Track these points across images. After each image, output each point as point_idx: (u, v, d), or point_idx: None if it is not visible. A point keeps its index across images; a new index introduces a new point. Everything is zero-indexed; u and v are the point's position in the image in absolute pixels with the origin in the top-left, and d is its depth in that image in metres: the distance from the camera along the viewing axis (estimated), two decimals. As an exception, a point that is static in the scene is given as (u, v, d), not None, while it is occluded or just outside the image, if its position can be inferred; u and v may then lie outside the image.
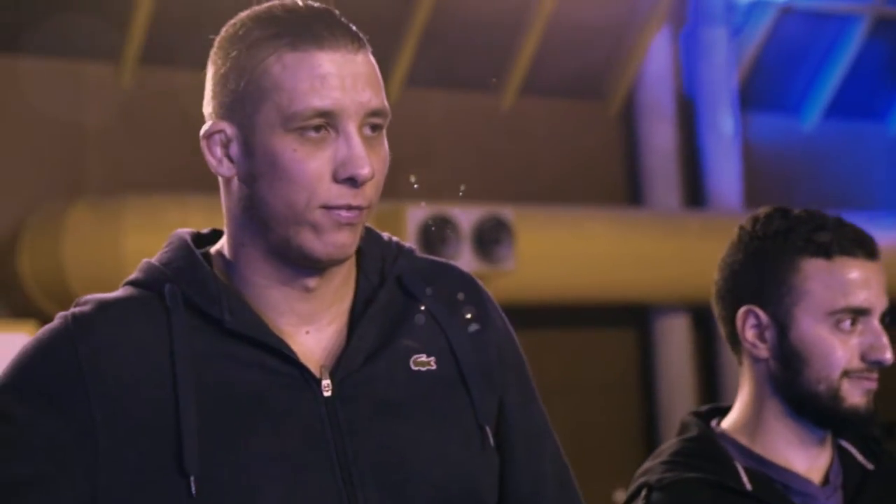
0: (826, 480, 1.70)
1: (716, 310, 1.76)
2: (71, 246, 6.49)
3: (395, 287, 1.48)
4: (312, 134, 1.38)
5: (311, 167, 1.37)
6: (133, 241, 6.20)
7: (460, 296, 1.51)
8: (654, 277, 8.14)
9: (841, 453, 1.74)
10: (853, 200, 9.58)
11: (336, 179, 1.38)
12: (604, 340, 8.93)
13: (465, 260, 7.08)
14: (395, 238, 1.53)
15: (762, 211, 1.76)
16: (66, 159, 6.98)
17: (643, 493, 1.67)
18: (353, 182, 1.39)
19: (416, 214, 6.96)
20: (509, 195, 8.14)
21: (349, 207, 1.39)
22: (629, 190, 8.92)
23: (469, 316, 1.50)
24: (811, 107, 9.53)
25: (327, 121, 1.38)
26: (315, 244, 1.38)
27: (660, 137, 8.60)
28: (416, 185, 7.36)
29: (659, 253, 8.01)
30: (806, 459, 1.70)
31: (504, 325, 1.55)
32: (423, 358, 1.45)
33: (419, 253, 1.54)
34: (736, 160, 8.76)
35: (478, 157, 8.30)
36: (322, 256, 1.39)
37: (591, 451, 8.39)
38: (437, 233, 7.06)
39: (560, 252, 7.88)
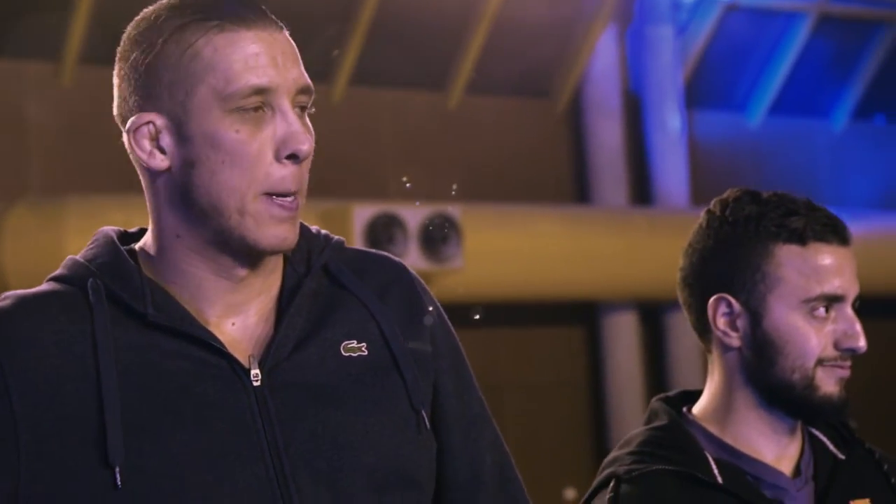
0: (797, 471, 1.66)
1: (681, 296, 1.70)
2: (11, 248, 6.39)
3: (323, 276, 1.46)
4: (252, 113, 1.37)
5: (254, 147, 1.36)
6: (75, 243, 6.09)
7: (391, 284, 1.49)
8: (602, 274, 8.15)
9: (812, 443, 1.70)
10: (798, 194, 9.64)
11: (278, 159, 1.37)
12: (553, 338, 8.93)
13: (413, 258, 7.05)
14: (323, 231, 1.51)
15: (730, 194, 1.70)
16: (7, 160, 6.87)
17: (611, 484, 1.63)
18: (294, 159, 1.38)
19: (363, 213, 6.93)
20: (457, 194, 8.11)
21: (289, 195, 1.38)
22: (577, 187, 8.92)
23: (401, 304, 1.48)
24: (756, 104, 9.59)
25: (264, 99, 1.37)
26: (258, 235, 1.37)
27: (606, 135, 8.61)
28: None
29: (607, 250, 8.02)
30: (777, 449, 1.66)
31: (438, 313, 1.52)
32: (354, 344, 1.43)
33: (348, 245, 1.52)
34: (682, 157, 8.79)
35: (425, 155, 8.27)
36: (266, 248, 1.38)
37: (541, 448, 8.39)
38: (384, 231, 7.03)
39: (508, 250, 7.87)
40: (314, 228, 1.50)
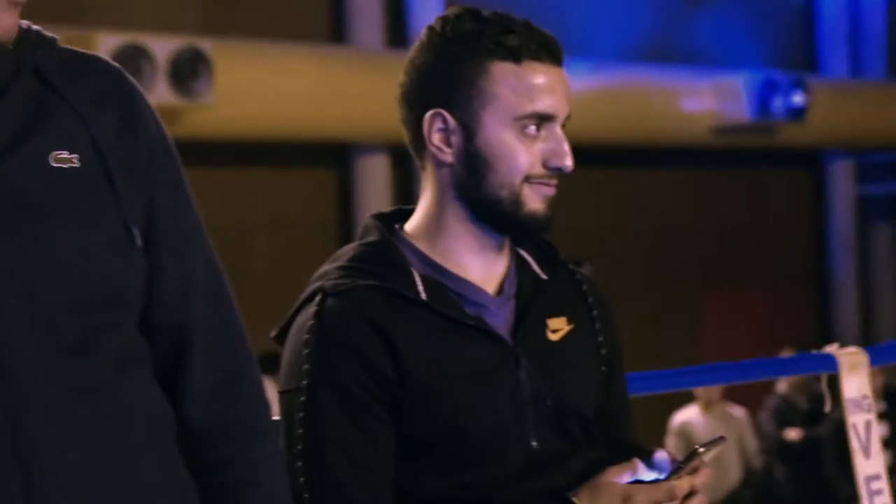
0: (501, 290, 1.68)
1: (400, 113, 1.69)
2: None
3: (34, 79, 1.36)
4: None
5: None
6: None
7: (108, 91, 1.41)
8: (355, 116, 8.11)
9: (518, 262, 1.72)
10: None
11: None
12: (304, 179, 8.89)
13: (160, 93, 6.84)
14: (35, 26, 1.40)
15: (452, 11, 1.68)
16: None
17: (317, 298, 1.62)
18: None
19: (108, 43, 6.63)
20: (209, 28, 7.87)
21: None
22: (333, 27, 8.80)
23: (117, 113, 1.40)
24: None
25: None
26: None
27: (363, -26, 8.49)
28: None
29: (361, 91, 7.96)
30: (483, 267, 1.68)
31: (156, 123, 1.45)
32: (65, 154, 1.35)
33: (63, 44, 1.42)
34: (439, 1, 8.76)
35: (176, -15, 7.96)
36: None
37: (290, 290, 8.40)
38: (130, 63, 6.75)
39: (261, 88, 7.72)
40: (24, 23, 1.39)
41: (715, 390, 7.65)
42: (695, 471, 1.60)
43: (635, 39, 10.40)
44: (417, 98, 1.68)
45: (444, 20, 1.68)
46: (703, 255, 11.33)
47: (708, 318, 11.42)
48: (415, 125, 1.68)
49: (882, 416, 7.31)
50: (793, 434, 7.59)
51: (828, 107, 10.50)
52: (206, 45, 7.15)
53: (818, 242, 12.02)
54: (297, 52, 8.09)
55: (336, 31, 8.76)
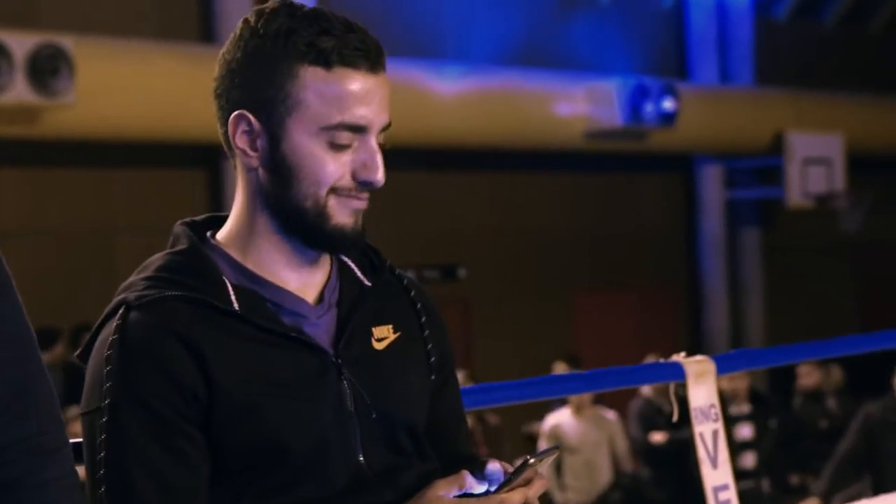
0: (321, 298, 1.59)
1: (214, 107, 1.57)
2: None
3: None
4: None
5: None
6: None
7: None
8: (224, 117, 7.96)
9: (341, 269, 1.63)
10: (423, 48, 9.75)
11: None
12: (173, 180, 8.72)
13: (19, 91, 6.63)
14: None
15: (270, 4, 1.55)
16: None
17: (120, 311, 1.50)
18: None
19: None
20: (71, 25, 7.66)
21: None
22: (202, 27, 8.64)
23: None
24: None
25: None
26: None
27: (233, -27, 8.35)
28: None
29: (230, 92, 7.82)
30: (300, 275, 1.58)
31: None
32: None
33: None
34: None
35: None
36: None
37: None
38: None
39: (126, 87, 7.54)
40: None
41: (585, 394, 7.67)
42: (528, 482, 1.54)
43: (510, 44, 10.42)
44: (225, 96, 1.56)
45: (259, 14, 1.55)
46: (576, 258, 11.40)
47: (579, 321, 11.49)
48: (224, 123, 1.57)
49: (747, 418, 7.41)
50: (658, 437, 7.65)
51: (697, 112, 10.65)
52: (68, 42, 6.96)
53: (689, 246, 12.19)
54: (163, 51, 7.93)
55: (205, 30, 8.61)
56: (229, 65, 1.56)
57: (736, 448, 7.14)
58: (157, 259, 1.58)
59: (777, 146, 11.36)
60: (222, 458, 1.51)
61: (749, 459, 7.35)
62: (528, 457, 1.54)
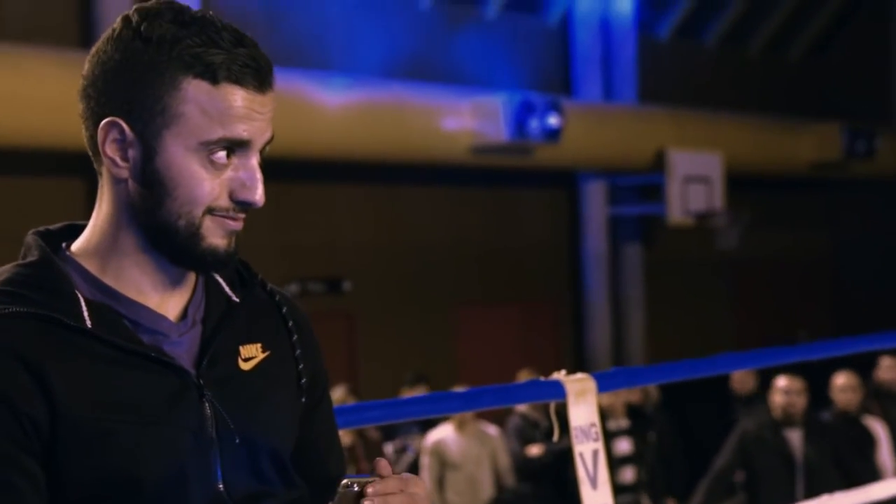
0: (184, 315, 1.50)
1: (79, 107, 1.47)
2: None
3: None
4: None
5: None
6: None
7: None
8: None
9: (208, 285, 1.54)
10: (308, 58, 9.68)
11: None
12: (53, 189, 8.53)
13: None
14: None
15: (153, 4, 1.45)
16: None
17: None
18: None
19: None
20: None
21: None
22: (81, 33, 8.47)
23: None
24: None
25: None
26: None
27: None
28: None
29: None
30: (162, 291, 1.49)
31: None
32: None
33: None
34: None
35: None
36: None
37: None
38: None
39: (1, 93, 7.34)
40: None
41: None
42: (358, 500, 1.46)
43: (397, 57, 10.39)
44: (96, 98, 1.46)
45: (142, 14, 1.45)
46: (459, 272, 11.41)
47: (464, 335, 11.49)
48: (92, 126, 1.47)
49: (626, 433, 7.46)
50: (535, 450, 7.68)
51: (581, 129, 10.74)
52: (-60, 45, 6.75)
53: (572, 261, 12.28)
54: (41, 57, 7.74)
55: (84, 36, 8.43)
56: (104, 65, 1.46)
57: (615, 463, 7.19)
58: (3, 272, 1.46)
59: (659, 164, 11.52)
60: (68, 491, 1.40)
61: (628, 474, 7.40)
62: (347, 481, 1.44)
